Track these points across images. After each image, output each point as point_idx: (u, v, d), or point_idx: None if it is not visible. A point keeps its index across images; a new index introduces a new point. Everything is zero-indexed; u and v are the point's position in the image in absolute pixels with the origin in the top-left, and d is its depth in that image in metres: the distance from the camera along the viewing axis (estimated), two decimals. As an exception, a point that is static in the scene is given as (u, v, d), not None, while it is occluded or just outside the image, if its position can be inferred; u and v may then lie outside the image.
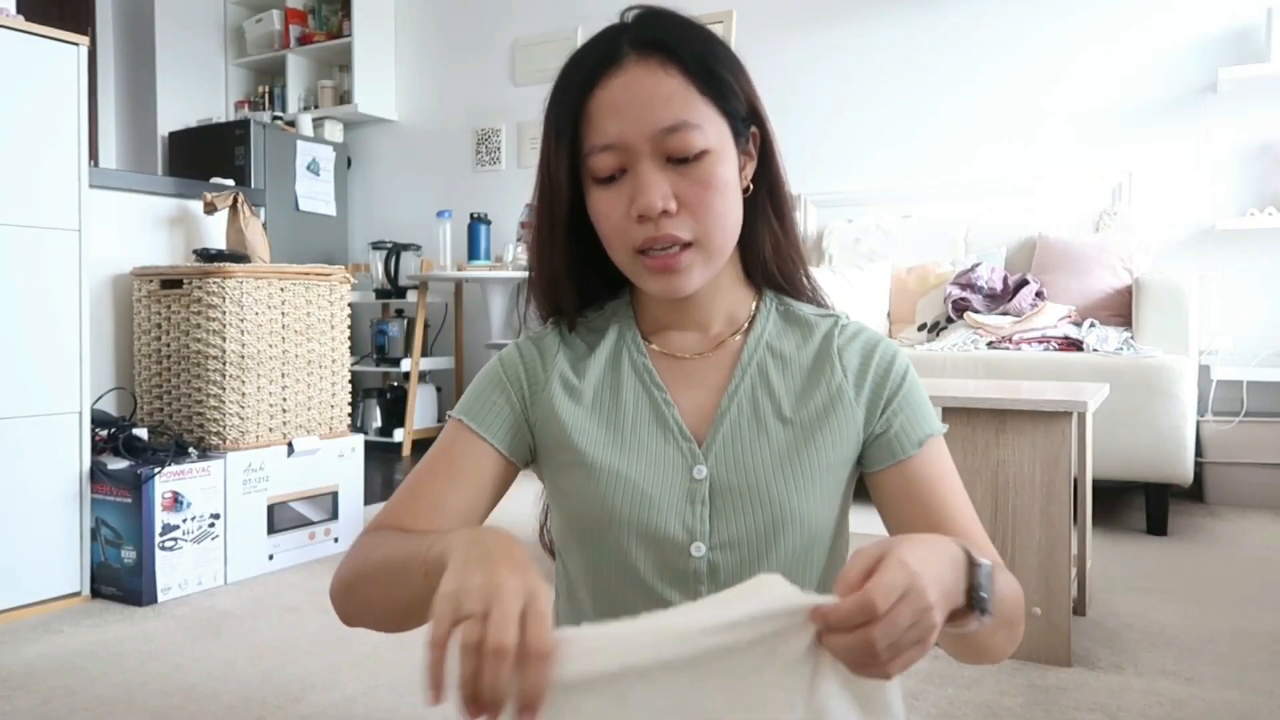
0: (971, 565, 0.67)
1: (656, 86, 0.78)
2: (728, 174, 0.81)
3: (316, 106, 5.27)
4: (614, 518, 0.83)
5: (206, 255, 2.59)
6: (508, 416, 0.89)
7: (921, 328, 3.40)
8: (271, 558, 2.46)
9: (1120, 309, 3.13)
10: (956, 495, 0.86)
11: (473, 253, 4.48)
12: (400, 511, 0.86)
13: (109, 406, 2.54)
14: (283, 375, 2.55)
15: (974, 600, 0.66)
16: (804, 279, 0.94)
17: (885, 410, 0.87)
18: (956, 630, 0.68)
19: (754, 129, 0.86)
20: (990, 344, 3.04)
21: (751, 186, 0.86)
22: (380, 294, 4.81)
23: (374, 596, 0.80)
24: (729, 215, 0.82)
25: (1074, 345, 2.94)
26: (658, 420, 0.86)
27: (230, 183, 3.04)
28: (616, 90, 0.78)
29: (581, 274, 0.89)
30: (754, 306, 0.91)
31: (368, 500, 3.14)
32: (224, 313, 2.41)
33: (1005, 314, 3.16)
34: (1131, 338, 2.94)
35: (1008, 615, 0.76)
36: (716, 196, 0.80)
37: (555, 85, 0.83)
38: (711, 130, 0.79)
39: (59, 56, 2.19)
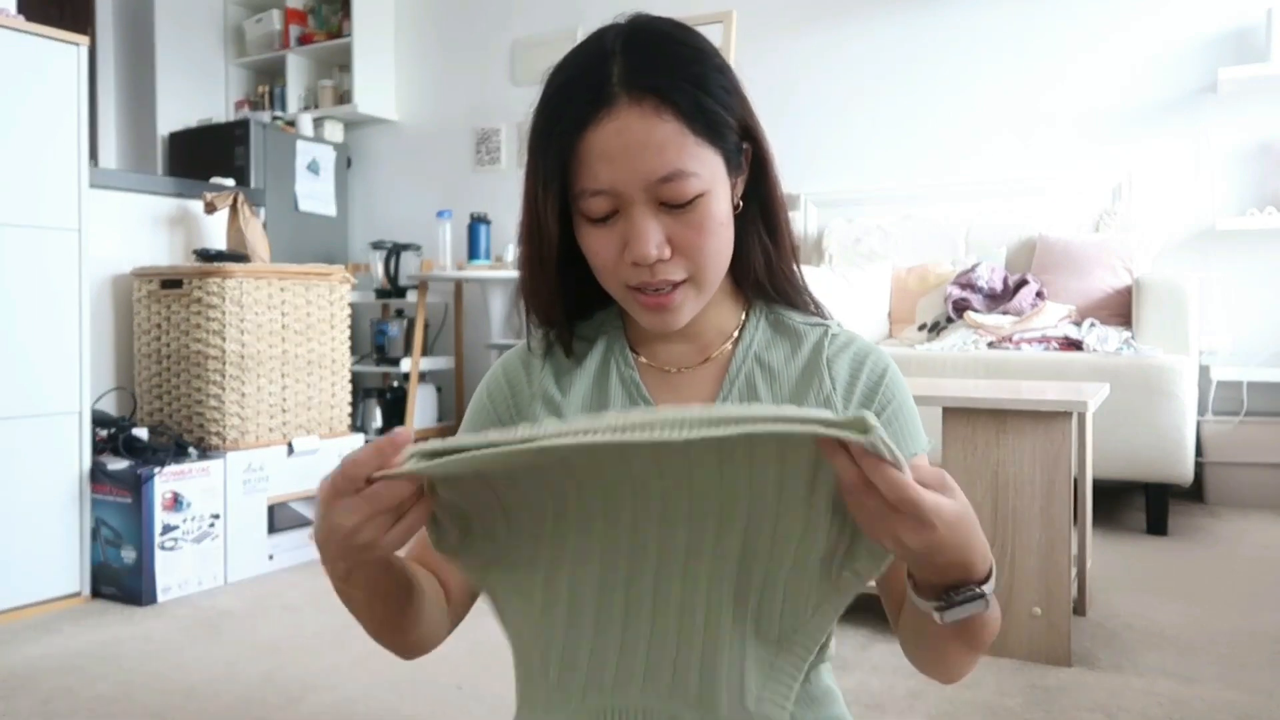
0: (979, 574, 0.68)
1: (650, 134, 0.75)
2: (721, 210, 0.79)
3: (316, 106, 5.26)
4: None
5: (206, 255, 2.59)
6: None
7: (921, 328, 3.40)
8: (271, 558, 2.46)
9: (1120, 309, 3.13)
10: None
11: (473, 253, 4.48)
12: (413, 553, 0.89)
13: (109, 406, 2.54)
14: (283, 375, 2.55)
15: (945, 597, 0.68)
16: (798, 293, 0.91)
17: None
18: (918, 607, 0.70)
19: (747, 145, 0.83)
20: (990, 344, 3.04)
21: (742, 204, 0.84)
22: (380, 294, 4.81)
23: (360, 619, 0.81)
24: (721, 251, 0.81)
25: (1074, 345, 2.94)
26: None
27: (230, 183, 3.04)
28: (609, 136, 0.75)
29: (572, 294, 0.88)
30: (743, 316, 0.90)
31: (368, 500, 3.14)
32: (224, 313, 2.41)
33: (1005, 314, 3.16)
34: (1131, 338, 2.94)
35: (975, 637, 0.76)
36: (710, 238, 0.79)
37: (540, 119, 0.79)
38: (705, 172, 0.77)
39: (59, 56, 2.18)
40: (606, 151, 0.75)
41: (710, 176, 0.78)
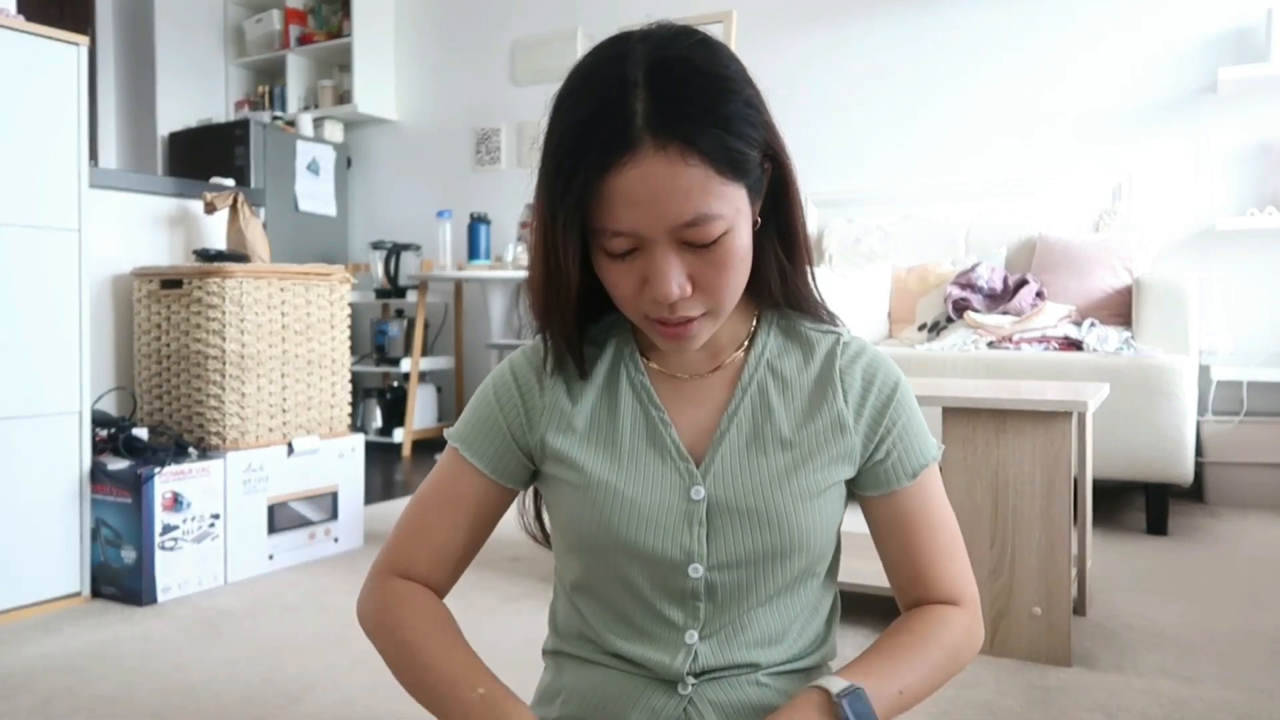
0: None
1: (675, 180, 0.72)
2: (743, 242, 0.77)
3: (316, 106, 5.27)
4: (610, 537, 0.83)
5: (206, 255, 2.59)
6: (501, 445, 0.89)
7: (921, 328, 3.40)
8: (271, 558, 2.46)
9: (1120, 309, 3.13)
10: (938, 530, 0.88)
11: (473, 253, 4.48)
12: (406, 553, 0.91)
13: (109, 406, 2.54)
14: (283, 375, 2.55)
15: None
16: (814, 309, 0.90)
17: (884, 440, 0.86)
18: None
19: (768, 164, 0.81)
20: (990, 344, 3.04)
21: (760, 220, 0.82)
22: (380, 294, 4.81)
23: (404, 685, 0.86)
24: (741, 281, 0.80)
25: (1074, 345, 2.94)
26: (655, 440, 0.85)
27: (230, 183, 3.04)
28: (632, 181, 0.72)
29: (583, 297, 0.85)
30: (754, 322, 0.90)
31: (368, 500, 3.14)
32: (224, 313, 2.41)
33: (1005, 314, 3.16)
34: (1131, 338, 2.94)
35: (934, 687, 0.84)
36: (732, 273, 0.77)
37: (558, 152, 0.75)
38: (729, 210, 0.75)
39: (59, 56, 2.18)
40: (629, 196, 0.72)
41: (733, 212, 0.75)
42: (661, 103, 0.72)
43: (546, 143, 0.77)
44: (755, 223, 0.81)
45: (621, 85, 0.73)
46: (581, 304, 0.85)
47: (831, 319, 0.91)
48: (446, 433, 0.92)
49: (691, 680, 0.84)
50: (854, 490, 0.89)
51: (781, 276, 0.87)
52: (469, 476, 0.89)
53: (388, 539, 0.93)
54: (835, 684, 0.76)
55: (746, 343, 0.89)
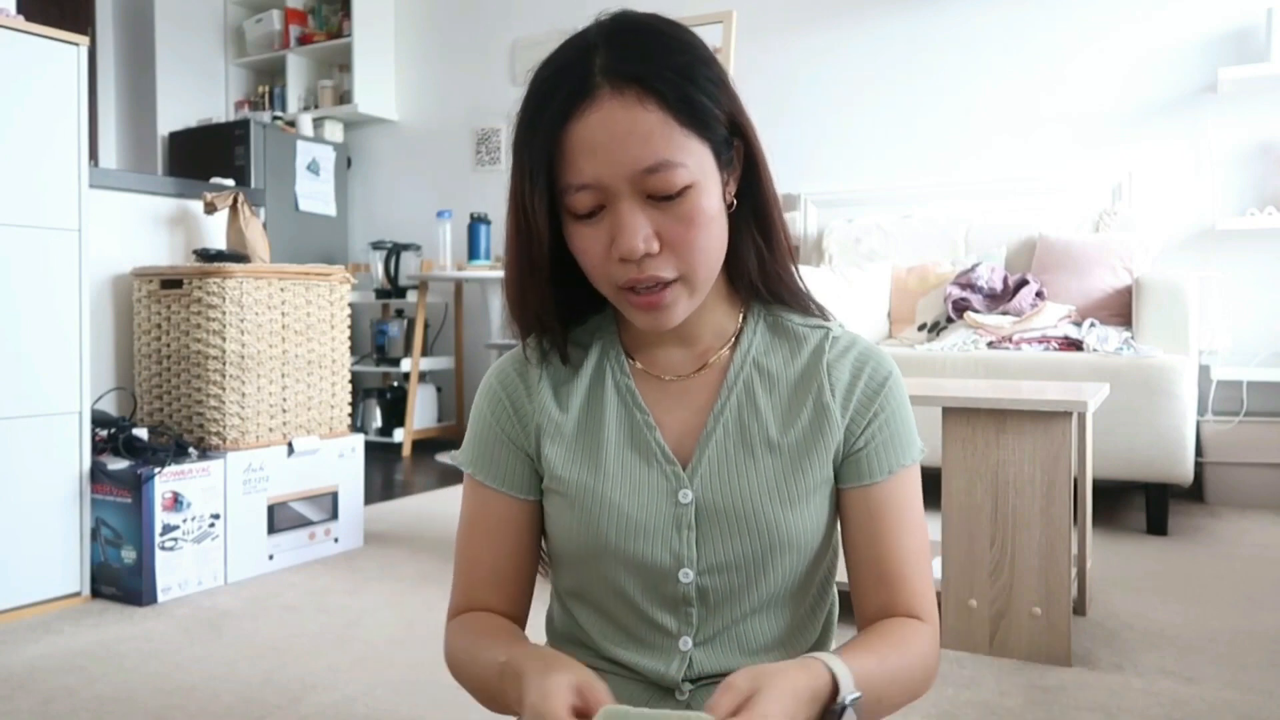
0: (832, 703, 0.70)
1: (634, 124, 0.73)
2: (711, 205, 0.76)
3: (316, 106, 5.27)
4: (599, 544, 0.82)
5: (206, 255, 2.59)
6: (510, 459, 0.88)
7: (921, 328, 3.40)
8: (271, 558, 2.46)
9: (1120, 309, 3.13)
10: (909, 533, 0.84)
11: (473, 253, 4.48)
12: (468, 591, 0.89)
13: (109, 406, 2.54)
14: (283, 375, 2.55)
15: None
16: (794, 296, 0.89)
17: (865, 430, 0.83)
18: None
19: (737, 141, 0.80)
20: (990, 344, 3.04)
21: (735, 202, 0.82)
22: (380, 294, 4.81)
23: (478, 698, 0.84)
24: (713, 248, 0.78)
25: (1074, 345, 2.94)
26: (640, 443, 0.84)
27: (230, 183, 3.04)
28: (592, 128, 0.73)
29: (564, 299, 0.85)
30: (740, 319, 0.88)
31: (368, 500, 3.14)
32: (224, 313, 2.41)
33: (1005, 314, 3.16)
34: (1131, 338, 2.94)
35: (896, 705, 0.79)
36: (700, 233, 0.76)
37: (524, 115, 0.78)
38: (693, 163, 0.75)
39: (59, 56, 2.18)
40: (590, 144, 0.73)
41: (698, 168, 0.75)
42: (619, 52, 0.75)
43: (518, 109, 0.80)
44: (730, 205, 0.81)
45: (583, 46, 0.76)
46: (563, 303, 0.85)
47: (820, 311, 0.89)
48: (457, 458, 0.92)
49: (688, 686, 0.83)
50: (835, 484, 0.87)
51: (760, 261, 0.85)
52: (492, 500, 0.88)
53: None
54: (846, 685, 0.70)
55: (733, 340, 0.87)
